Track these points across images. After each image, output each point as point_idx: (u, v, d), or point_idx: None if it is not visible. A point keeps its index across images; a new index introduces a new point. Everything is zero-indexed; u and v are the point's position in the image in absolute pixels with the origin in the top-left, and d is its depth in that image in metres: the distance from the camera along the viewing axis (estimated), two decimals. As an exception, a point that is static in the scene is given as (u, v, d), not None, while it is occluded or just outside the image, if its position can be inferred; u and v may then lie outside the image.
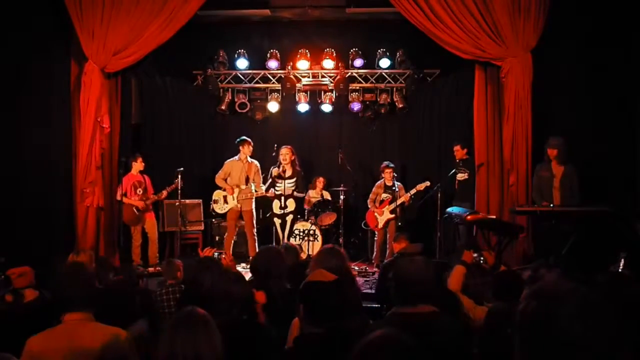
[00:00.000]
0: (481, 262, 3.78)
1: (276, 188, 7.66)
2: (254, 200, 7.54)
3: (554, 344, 1.24)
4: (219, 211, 7.65)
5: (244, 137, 7.59)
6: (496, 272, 3.75)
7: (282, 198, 7.66)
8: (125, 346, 2.47)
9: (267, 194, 7.45)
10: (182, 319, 2.08)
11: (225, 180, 7.53)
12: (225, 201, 7.52)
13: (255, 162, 7.63)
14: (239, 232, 7.81)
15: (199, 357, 1.96)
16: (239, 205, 7.45)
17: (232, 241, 7.55)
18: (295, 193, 7.77)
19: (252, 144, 7.55)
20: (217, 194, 7.63)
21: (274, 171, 7.72)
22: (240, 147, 7.50)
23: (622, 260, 4.83)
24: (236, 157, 7.56)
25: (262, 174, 7.75)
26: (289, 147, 7.68)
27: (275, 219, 7.87)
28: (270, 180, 7.70)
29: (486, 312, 3.12)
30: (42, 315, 3.28)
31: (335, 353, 2.29)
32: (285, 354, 2.67)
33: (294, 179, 7.75)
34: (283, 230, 7.87)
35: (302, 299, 2.64)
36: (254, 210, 7.55)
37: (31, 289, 3.91)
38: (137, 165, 7.27)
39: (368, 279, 6.67)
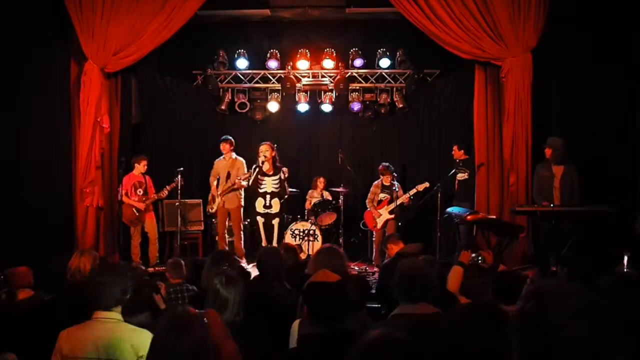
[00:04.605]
0: (479, 261, 3.76)
1: (260, 186, 7.55)
2: (242, 198, 7.49)
3: (552, 344, 1.23)
4: (210, 211, 7.70)
5: (224, 136, 7.57)
6: (495, 272, 3.74)
7: (267, 197, 7.52)
8: None
9: (235, 185, 7.31)
10: (175, 316, 2.09)
11: (218, 179, 7.53)
12: (214, 200, 7.54)
13: (240, 158, 7.54)
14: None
15: (189, 352, 1.97)
16: (223, 203, 7.42)
17: (225, 240, 7.51)
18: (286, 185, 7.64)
19: (228, 142, 7.47)
20: (209, 195, 7.67)
21: (264, 167, 7.50)
22: (221, 147, 7.52)
23: (626, 259, 4.81)
24: (222, 156, 7.58)
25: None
26: (267, 143, 7.49)
27: (258, 218, 7.61)
28: (253, 176, 7.45)
29: None
30: (37, 314, 3.28)
31: (340, 353, 2.30)
32: (289, 354, 2.67)
33: (277, 177, 7.54)
34: (266, 230, 7.71)
35: (306, 299, 2.64)
36: (240, 208, 7.50)
37: (28, 289, 3.92)
38: (140, 168, 7.27)
39: (368, 279, 6.65)
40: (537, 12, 6.44)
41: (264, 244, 7.54)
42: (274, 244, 7.38)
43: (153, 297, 3.22)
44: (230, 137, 7.56)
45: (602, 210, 5.72)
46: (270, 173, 7.49)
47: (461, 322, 1.83)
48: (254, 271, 4.39)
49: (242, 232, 7.57)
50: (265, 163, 7.44)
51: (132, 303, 2.91)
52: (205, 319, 2.40)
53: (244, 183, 7.35)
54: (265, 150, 7.40)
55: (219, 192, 7.46)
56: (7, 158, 6.52)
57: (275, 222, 7.59)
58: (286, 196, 7.69)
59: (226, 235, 7.55)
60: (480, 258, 3.77)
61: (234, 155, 7.53)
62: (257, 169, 7.44)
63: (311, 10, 8.04)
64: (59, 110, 6.95)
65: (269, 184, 7.49)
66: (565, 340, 1.21)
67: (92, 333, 2.48)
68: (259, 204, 7.56)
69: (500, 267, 3.78)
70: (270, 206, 7.53)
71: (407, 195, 7.48)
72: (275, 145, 7.60)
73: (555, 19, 6.45)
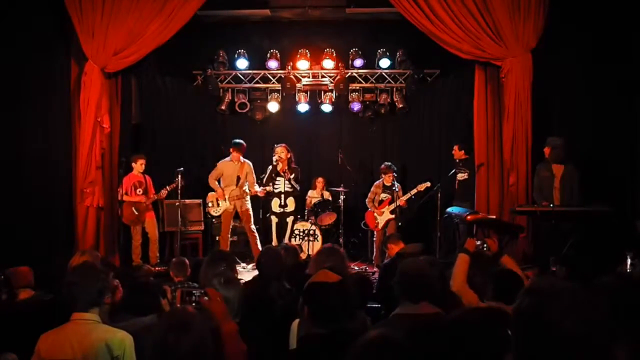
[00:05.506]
0: (485, 249, 3.71)
1: (275, 186, 7.66)
2: (249, 199, 7.54)
3: (548, 341, 1.24)
4: (214, 214, 7.70)
5: (238, 142, 7.51)
6: (498, 266, 3.70)
7: (282, 196, 7.70)
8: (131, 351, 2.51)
9: (258, 193, 7.38)
10: (175, 315, 2.10)
11: (219, 180, 7.55)
12: (218, 203, 7.56)
13: (248, 162, 7.58)
14: (238, 232, 7.82)
15: (189, 351, 1.97)
16: (232, 206, 7.46)
17: (228, 242, 7.54)
18: (293, 183, 7.77)
19: (241, 148, 7.46)
20: (210, 197, 7.63)
21: (278, 167, 7.64)
22: (232, 151, 7.49)
23: (629, 260, 4.80)
24: (228, 159, 7.57)
25: (260, 173, 7.75)
26: (283, 145, 7.66)
27: (273, 217, 7.81)
28: (267, 176, 7.61)
29: None
30: (36, 314, 3.28)
31: (340, 353, 2.30)
32: (289, 354, 2.67)
33: (292, 176, 7.74)
34: (279, 229, 7.80)
35: (306, 300, 2.64)
36: (250, 210, 7.54)
37: (28, 288, 3.92)
38: (137, 167, 7.27)
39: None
40: (537, 12, 6.44)
41: (274, 243, 7.63)
42: (286, 240, 7.57)
43: (160, 299, 3.23)
44: (243, 143, 7.51)
45: (603, 210, 5.72)
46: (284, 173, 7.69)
47: (462, 324, 1.83)
48: (254, 272, 4.41)
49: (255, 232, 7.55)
50: (280, 164, 7.62)
51: (138, 304, 2.91)
52: (205, 297, 2.41)
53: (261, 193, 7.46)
54: (280, 152, 7.63)
55: (227, 196, 7.46)
56: (7, 158, 6.52)
57: (290, 219, 7.83)
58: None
59: (229, 237, 7.57)
60: (485, 246, 3.72)
61: (241, 158, 7.55)
62: (271, 170, 7.60)
63: (311, 10, 8.04)
64: (59, 110, 6.95)
65: (283, 184, 7.70)
66: (560, 336, 1.22)
67: (69, 335, 2.49)
68: (275, 204, 7.82)
69: (504, 257, 3.72)
70: (285, 205, 7.78)
71: (408, 195, 7.49)
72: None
73: (555, 19, 6.45)
